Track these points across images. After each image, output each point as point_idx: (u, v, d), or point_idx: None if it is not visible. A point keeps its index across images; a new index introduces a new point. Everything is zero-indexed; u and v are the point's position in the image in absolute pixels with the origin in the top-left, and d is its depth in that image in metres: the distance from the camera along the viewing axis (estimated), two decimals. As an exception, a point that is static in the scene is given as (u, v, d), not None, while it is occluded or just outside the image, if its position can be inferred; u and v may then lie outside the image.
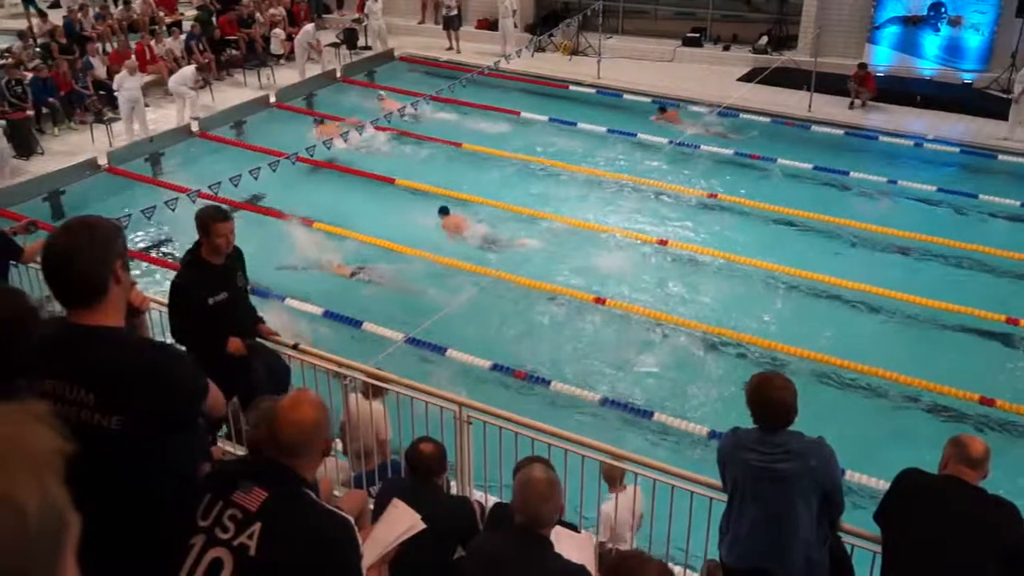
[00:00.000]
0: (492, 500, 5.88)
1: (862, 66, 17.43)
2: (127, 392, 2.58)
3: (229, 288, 5.84)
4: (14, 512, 0.78)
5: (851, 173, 14.92)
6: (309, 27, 19.75)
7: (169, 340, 5.68)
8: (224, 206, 5.82)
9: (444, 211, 13.26)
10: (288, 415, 2.76)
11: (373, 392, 6.30)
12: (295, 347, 6.33)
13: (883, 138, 16.31)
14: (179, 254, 12.37)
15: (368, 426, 6.26)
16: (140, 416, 2.57)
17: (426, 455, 4.78)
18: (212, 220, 5.69)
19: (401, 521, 4.18)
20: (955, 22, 18.02)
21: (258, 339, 6.18)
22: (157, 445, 2.64)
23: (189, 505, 2.69)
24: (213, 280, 5.78)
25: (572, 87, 18.99)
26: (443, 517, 4.47)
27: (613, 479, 5.97)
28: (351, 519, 2.73)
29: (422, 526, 4.14)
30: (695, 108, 17.18)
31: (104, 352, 2.62)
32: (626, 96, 18.38)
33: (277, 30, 20.16)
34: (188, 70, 17.14)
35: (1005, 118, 15.99)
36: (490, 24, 21.61)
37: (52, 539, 0.82)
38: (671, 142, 15.31)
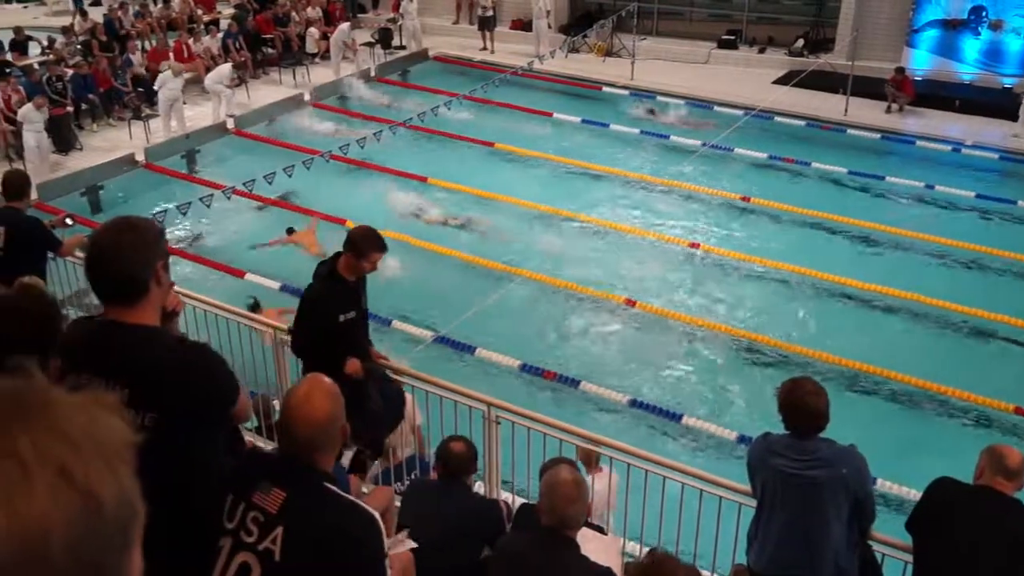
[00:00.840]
0: (520, 501, 5.88)
1: (899, 70, 17.24)
2: (161, 389, 2.61)
3: (357, 307, 5.68)
4: (93, 503, 0.79)
5: (887, 178, 14.75)
6: (344, 26, 19.86)
7: (202, 339, 5.71)
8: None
9: (290, 231, 13.01)
10: (301, 411, 2.67)
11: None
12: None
13: (920, 143, 16.11)
14: (213, 247, 12.56)
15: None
16: (172, 414, 2.60)
17: (456, 454, 4.79)
18: (374, 248, 5.46)
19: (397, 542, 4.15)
20: (996, 26, 17.75)
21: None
22: (187, 443, 2.67)
23: (216, 503, 2.70)
24: (346, 297, 5.57)
25: (605, 88, 18.94)
26: (470, 518, 4.48)
27: (589, 461, 6.04)
28: (376, 514, 2.69)
29: (411, 545, 4.12)
30: (729, 111, 17.05)
31: (140, 349, 2.66)
32: (660, 98, 18.30)
33: (312, 29, 20.29)
34: (225, 68, 17.30)
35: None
36: (524, 25, 21.61)
37: (124, 530, 0.83)
38: (704, 144, 15.24)
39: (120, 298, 2.67)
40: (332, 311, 5.49)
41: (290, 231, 12.95)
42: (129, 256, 2.61)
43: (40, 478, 0.77)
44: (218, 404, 2.78)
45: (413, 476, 6.11)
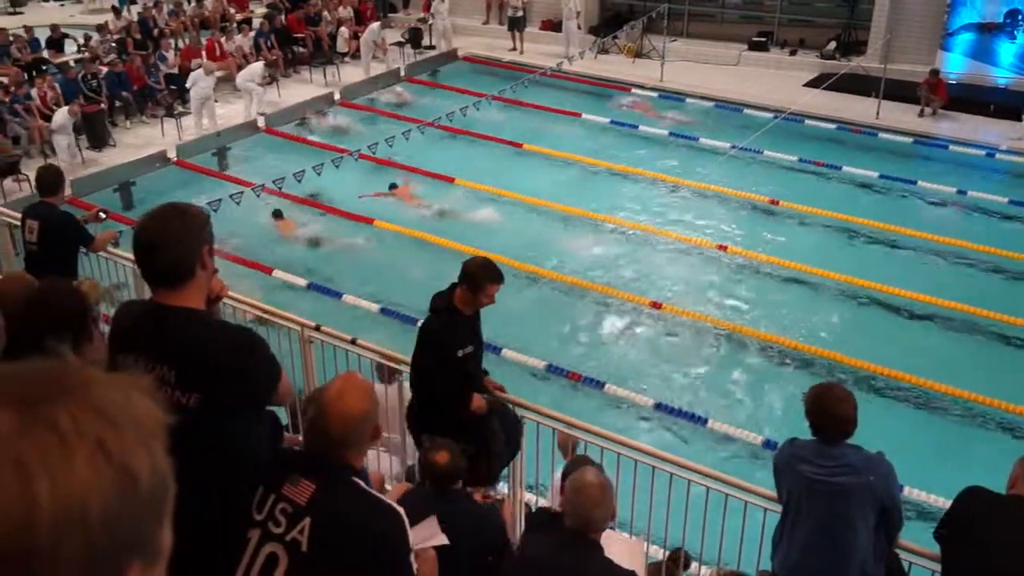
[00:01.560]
0: (543, 502, 5.88)
1: (934, 72, 17.04)
2: (207, 371, 2.68)
3: (475, 342, 5.52)
4: (130, 478, 0.82)
5: (919, 182, 14.60)
6: (375, 26, 19.95)
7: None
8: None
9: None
10: (335, 407, 2.70)
11: (388, 375, 6.36)
12: (353, 341, 6.41)
13: (953, 147, 15.93)
14: (241, 244, 12.65)
15: (396, 408, 6.32)
16: (217, 395, 2.66)
17: (441, 466, 4.47)
18: (490, 279, 5.28)
19: (426, 530, 4.09)
20: (1032, 29, 17.52)
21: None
22: (229, 425, 2.73)
23: (248, 490, 2.73)
24: (463, 332, 5.41)
25: (634, 90, 18.88)
26: (471, 527, 4.28)
27: (567, 448, 6.02)
28: (401, 510, 2.71)
29: (444, 540, 4.01)
30: (759, 113, 16.95)
31: (186, 332, 2.73)
32: (689, 100, 18.22)
33: (343, 28, 20.41)
34: (256, 66, 17.44)
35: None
36: (554, 25, 21.60)
37: (157, 505, 0.87)
38: (733, 147, 15.16)
39: (167, 282, 2.74)
40: (450, 347, 5.30)
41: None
42: (175, 242, 2.69)
43: (79, 451, 0.80)
44: (260, 386, 2.84)
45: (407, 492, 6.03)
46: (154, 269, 2.75)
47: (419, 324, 5.70)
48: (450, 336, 5.33)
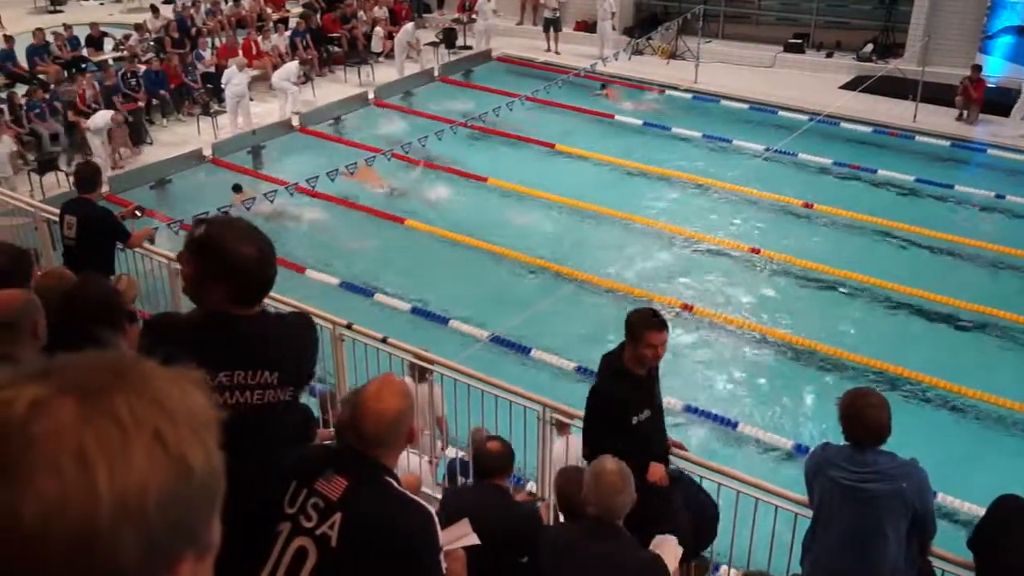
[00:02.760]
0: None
1: (976, 68, 16.67)
2: (287, 363, 2.81)
3: (651, 405, 5.04)
4: (185, 470, 0.84)
5: (956, 186, 14.42)
6: (408, 26, 20.02)
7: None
8: (661, 313, 5.08)
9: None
10: (371, 406, 2.73)
11: (420, 374, 6.50)
12: (384, 340, 6.45)
13: (992, 151, 15.71)
14: (275, 242, 12.72)
15: (426, 407, 6.45)
16: (287, 380, 2.79)
17: (491, 453, 4.72)
18: (646, 327, 4.79)
19: (458, 530, 4.14)
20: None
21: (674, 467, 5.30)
22: (288, 409, 2.84)
23: (278, 483, 2.76)
24: (637, 395, 4.93)
25: (668, 91, 18.82)
26: (510, 526, 4.39)
27: (562, 424, 6.08)
28: (432, 510, 2.74)
29: (475, 541, 4.08)
30: (794, 115, 16.82)
31: (275, 335, 2.86)
32: (723, 102, 18.12)
33: (378, 28, 20.51)
34: (292, 66, 17.57)
35: None
36: (588, 26, 21.56)
37: (210, 498, 0.88)
38: (767, 149, 15.06)
39: (259, 300, 2.85)
40: (623, 413, 4.83)
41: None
42: (271, 265, 2.81)
43: (138, 441, 0.82)
44: (312, 363, 3.02)
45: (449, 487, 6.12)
46: (261, 288, 2.79)
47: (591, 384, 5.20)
48: (622, 401, 4.86)
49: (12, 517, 0.77)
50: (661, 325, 4.82)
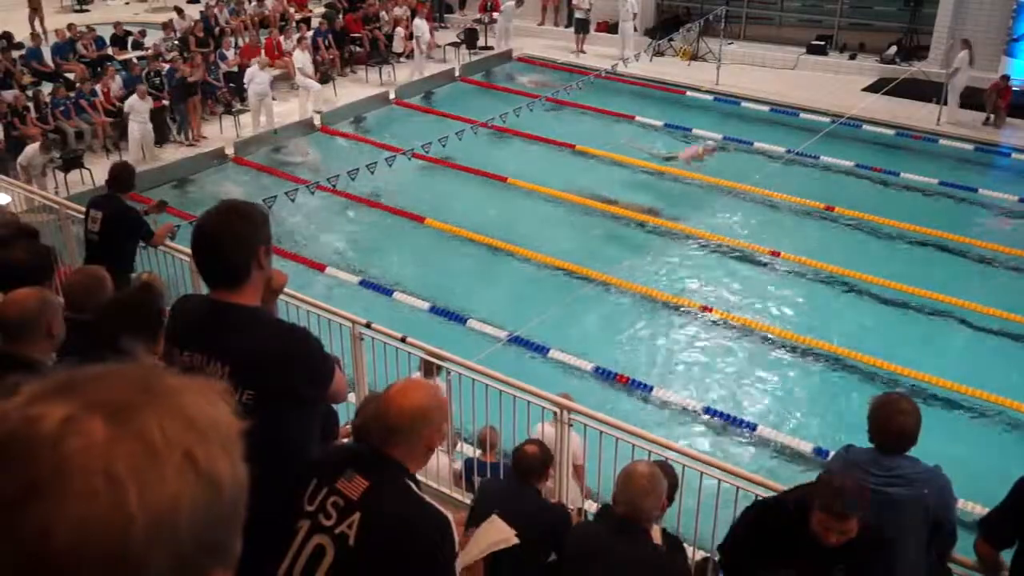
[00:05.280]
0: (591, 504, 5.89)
1: (1005, 77, 16.56)
2: (260, 368, 2.70)
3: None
4: (215, 487, 0.83)
5: (980, 190, 14.30)
6: (418, 22, 19.96)
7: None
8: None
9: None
10: (395, 398, 2.74)
11: (427, 370, 6.49)
12: (403, 339, 6.46)
13: (1017, 155, 15.56)
14: (295, 240, 12.83)
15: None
16: (269, 392, 2.69)
17: (528, 455, 4.82)
18: (819, 506, 3.66)
19: (495, 532, 4.20)
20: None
21: None
22: (281, 421, 2.75)
23: (299, 485, 2.77)
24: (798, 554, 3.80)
25: (689, 93, 18.76)
26: (542, 523, 4.50)
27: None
28: (450, 516, 2.73)
29: (515, 541, 4.15)
30: (816, 117, 16.73)
31: (241, 330, 2.77)
32: (744, 104, 18.05)
33: (399, 28, 20.55)
34: (303, 57, 17.53)
35: None
36: (610, 27, 21.53)
37: (237, 512, 0.88)
38: (788, 151, 14.98)
39: (224, 281, 2.78)
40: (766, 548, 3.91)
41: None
42: (231, 241, 2.73)
43: (169, 461, 0.81)
44: (312, 383, 2.87)
45: (486, 478, 6.14)
46: (212, 269, 2.80)
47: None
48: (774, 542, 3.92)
49: (44, 536, 0.76)
50: (838, 511, 3.61)
